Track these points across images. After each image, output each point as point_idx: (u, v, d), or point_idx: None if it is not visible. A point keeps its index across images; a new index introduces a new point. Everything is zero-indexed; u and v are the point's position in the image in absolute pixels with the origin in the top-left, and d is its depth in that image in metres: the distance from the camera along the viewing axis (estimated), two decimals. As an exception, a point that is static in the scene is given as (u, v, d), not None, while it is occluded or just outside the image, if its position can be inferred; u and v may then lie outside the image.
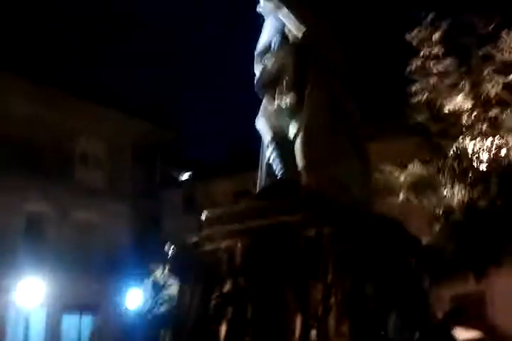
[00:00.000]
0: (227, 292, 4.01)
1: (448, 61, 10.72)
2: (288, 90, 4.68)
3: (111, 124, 22.37)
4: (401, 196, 10.87)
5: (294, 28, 4.78)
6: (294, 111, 4.70)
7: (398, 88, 11.90)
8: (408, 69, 10.86)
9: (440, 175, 10.71)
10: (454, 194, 10.47)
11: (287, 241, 3.86)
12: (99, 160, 22.86)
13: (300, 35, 4.75)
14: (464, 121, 10.64)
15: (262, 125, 4.91)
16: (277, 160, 4.70)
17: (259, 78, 4.94)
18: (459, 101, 10.62)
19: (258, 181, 4.97)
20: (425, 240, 10.47)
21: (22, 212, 19.98)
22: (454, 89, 10.69)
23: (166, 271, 4.42)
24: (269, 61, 4.87)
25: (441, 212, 10.60)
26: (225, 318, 3.98)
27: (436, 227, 10.50)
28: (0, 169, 19.23)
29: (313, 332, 3.71)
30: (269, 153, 4.78)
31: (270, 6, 4.89)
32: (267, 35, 5.02)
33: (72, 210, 21.20)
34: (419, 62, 10.82)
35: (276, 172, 4.70)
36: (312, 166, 4.41)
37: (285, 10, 4.77)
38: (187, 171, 24.33)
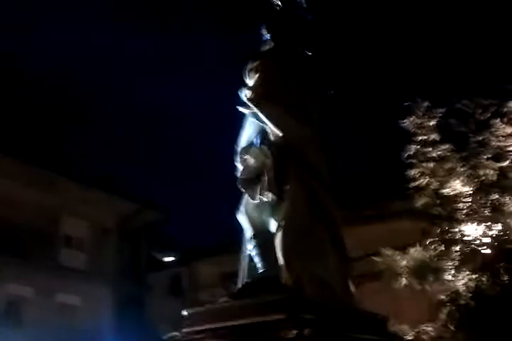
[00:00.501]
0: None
1: (445, 147, 10.96)
2: (268, 189, 4.87)
3: (95, 205, 22.45)
4: (403, 281, 10.75)
5: (273, 131, 5.05)
6: (274, 209, 4.88)
7: (397, 172, 12.12)
8: (406, 154, 11.08)
9: (443, 260, 10.60)
10: (459, 279, 10.38)
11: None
12: (83, 241, 22.77)
13: (279, 137, 5.01)
14: (464, 205, 10.68)
15: (243, 220, 5.06)
16: (258, 257, 4.82)
17: (241, 174, 5.15)
18: (459, 186, 10.74)
19: (239, 274, 5.06)
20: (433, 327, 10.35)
21: (1, 295, 19.64)
22: (452, 173, 10.85)
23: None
24: (251, 159, 5.10)
25: (446, 298, 10.48)
26: None
27: (443, 313, 10.38)
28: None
29: None
30: (250, 249, 4.92)
31: (248, 110, 5.17)
32: (249, 132, 5.27)
33: (54, 293, 20.88)
34: (416, 148, 11.06)
35: (258, 268, 4.81)
36: (292, 263, 4.51)
37: (263, 114, 5.05)
38: (172, 253, 24.29)
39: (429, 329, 10.54)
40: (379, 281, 21.53)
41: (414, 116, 11.25)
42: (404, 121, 11.27)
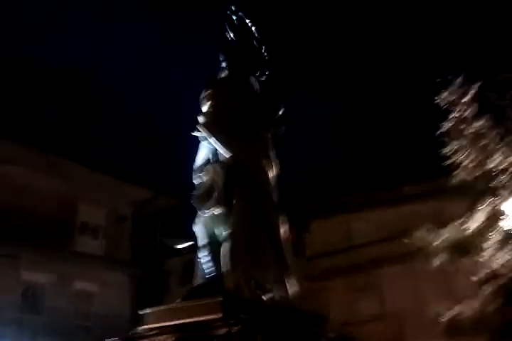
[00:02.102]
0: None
1: (482, 122, 11.15)
2: (218, 203, 5.93)
3: (110, 191, 23.68)
4: (438, 260, 11.28)
5: (222, 152, 6.09)
6: (223, 221, 5.94)
7: (431, 150, 12.50)
8: (440, 131, 11.30)
9: (483, 238, 10.93)
10: (500, 257, 10.72)
11: (204, 338, 4.98)
12: (99, 228, 24.12)
13: (229, 158, 6.05)
14: (504, 181, 10.85)
15: (197, 230, 6.16)
16: (208, 264, 5.91)
17: (195, 191, 6.22)
18: (497, 161, 10.90)
19: (194, 278, 6.16)
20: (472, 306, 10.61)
21: (19, 282, 21.07)
22: (490, 149, 11.02)
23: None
24: (204, 177, 6.16)
25: (486, 276, 10.91)
26: None
27: (483, 293, 10.87)
28: (-3, 238, 20.36)
29: None
30: (202, 256, 6.01)
31: (202, 135, 6.20)
32: (204, 152, 6.33)
33: (71, 280, 22.26)
34: (451, 124, 11.27)
35: (207, 273, 5.91)
36: (233, 269, 5.57)
37: (213, 139, 6.08)
38: (188, 239, 25.48)
39: (470, 307, 11.17)
40: (411, 263, 22.47)
41: (448, 92, 11.32)
42: (439, 97, 11.36)
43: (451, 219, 21.59)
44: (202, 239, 6.16)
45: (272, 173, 6.32)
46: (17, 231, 21.34)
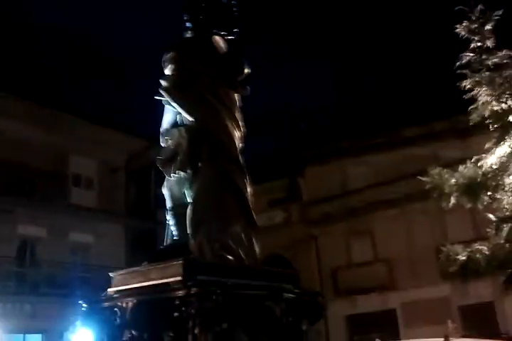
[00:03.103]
0: (125, 341, 5.47)
1: (503, 53, 10.73)
2: (182, 166, 6.10)
3: (103, 143, 23.95)
4: (452, 200, 11.04)
5: (186, 117, 6.21)
6: (188, 184, 6.13)
7: (448, 84, 11.93)
8: (458, 63, 10.91)
9: (498, 177, 10.67)
10: None
11: (165, 299, 5.26)
12: (92, 180, 24.49)
13: (194, 121, 6.17)
14: None
15: (165, 193, 6.37)
16: (174, 227, 6.15)
17: (161, 154, 6.39)
18: None
19: (164, 241, 6.42)
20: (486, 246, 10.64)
21: (15, 236, 21.62)
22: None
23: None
24: (169, 140, 6.31)
25: (501, 216, 10.68)
26: (123, 361, 5.43)
27: (498, 232, 10.68)
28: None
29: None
30: (169, 219, 6.25)
31: (164, 98, 6.30)
32: (169, 117, 6.46)
33: (66, 232, 22.83)
34: (470, 56, 10.90)
35: (174, 236, 6.15)
36: (197, 232, 5.80)
37: (175, 104, 6.19)
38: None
39: (483, 248, 10.96)
40: (407, 206, 22.78)
41: (467, 22, 10.94)
42: (459, 27, 10.97)
43: (449, 163, 21.81)
44: (168, 202, 6.37)
45: (238, 136, 6.45)
46: (10, 185, 21.74)
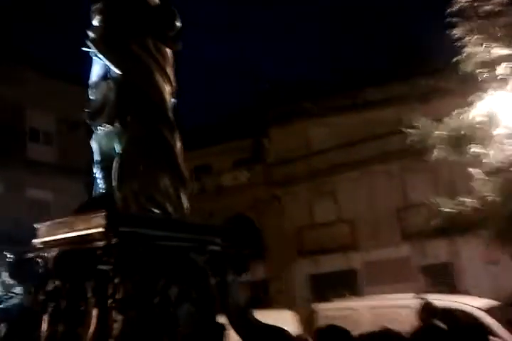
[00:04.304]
0: (49, 291, 5.69)
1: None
2: (109, 119, 6.24)
3: (61, 97, 23.69)
4: (435, 152, 11.20)
5: (113, 70, 6.30)
6: (115, 138, 6.28)
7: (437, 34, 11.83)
8: (449, 10, 10.69)
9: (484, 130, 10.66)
10: (502, 149, 10.52)
11: (87, 250, 5.47)
12: (51, 135, 24.37)
13: (121, 74, 6.27)
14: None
15: (93, 146, 6.52)
16: (101, 180, 6.33)
17: (88, 108, 6.50)
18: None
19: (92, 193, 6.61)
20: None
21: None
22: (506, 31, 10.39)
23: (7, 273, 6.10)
24: (96, 94, 6.42)
25: (487, 170, 10.73)
26: (48, 311, 5.66)
27: (484, 187, 10.80)
28: None
29: (108, 321, 5.36)
30: (96, 172, 6.42)
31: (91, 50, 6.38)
32: (97, 69, 6.54)
33: (24, 188, 22.81)
34: (462, 2, 10.58)
35: (100, 189, 6.34)
36: (121, 184, 5.98)
37: (101, 56, 6.27)
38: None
39: (468, 200, 11.20)
40: (369, 168, 23.22)
41: None
42: None
43: (410, 126, 22.08)
44: (96, 155, 6.54)
45: (168, 90, 6.57)
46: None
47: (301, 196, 25.38)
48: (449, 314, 9.67)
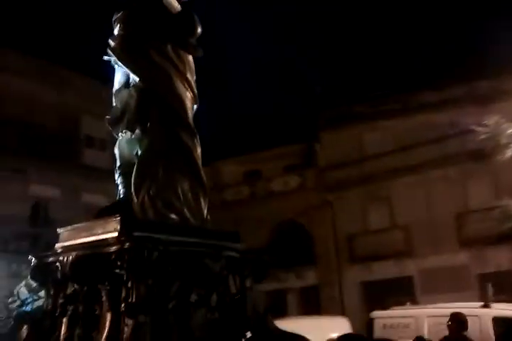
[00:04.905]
0: (68, 294, 5.87)
1: None
2: (130, 126, 6.38)
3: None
4: (510, 152, 11.24)
5: (134, 77, 6.45)
6: (136, 144, 6.43)
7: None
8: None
9: None
10: None
11: (103, 254, 5.61)
12: (104, 141, 24.97)
13: (142, 82, 6.41)
14: None
15: (116, 152, 6.68)
16: (121, 185, 6.47)
17: (110, 114, 6.67)
18: None
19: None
20: None
21: (28, 197, 22.33)
22: None
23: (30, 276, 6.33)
24: (118, 101, 6.59)
25: None
26: (66, 314, 5.84)
27: None
28: (1, 152, 21.32)
29: (120, 325, 5.48)
30: (117, 178, 6.56)
31: (113, 58, 6.54)
32: (119, 78, 6.71)
33: (79, 193, 23.48)
34: None
35: (121, 194, 6.48)
36: (139, 190, 6.10)
37: (122, 63, 6.42)
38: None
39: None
40: (425, 173, 22.80)
41: None
42: None
43: (468, 129, 21.61)
44: (118, 161, 6.70)
45: (189, 97, 6.67)
46: (24, 145, 22.35)
47: (354, 201, 25.11)
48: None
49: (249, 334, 6.12)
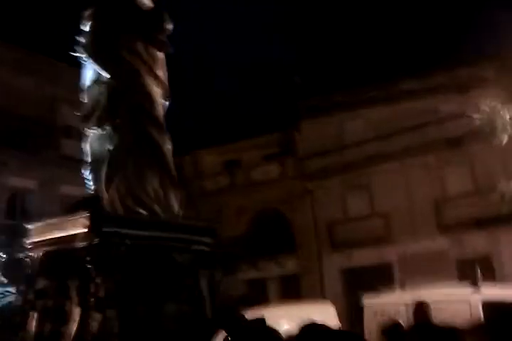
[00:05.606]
0: (38, 290, 5.99)
1: None
2: (100, 122, 6.47)
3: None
4: (505, 137, 11.35)
5: (103, 74, 6.54)
6: (105, 140, 6.52)
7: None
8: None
9: None
10: None
11: (71, 250, 5.73)
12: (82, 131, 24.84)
13: (111, 79, 6.50)
14: None
15: (87, 148, 6.78)
16: (92, 181, 6.57)
17: (81, 111, 6.76)
18: None
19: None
20: None
21: (5, 188, 22.15)
22: None
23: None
24: (88, 97, 6.67)
25: None
26: (37, 307, 5.96)
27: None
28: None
29: (88, 319, 5.61)
30: (87, 173, 6.67)
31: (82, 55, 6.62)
32: (89, 74, 6.79)
33: (57, 184, 23.29)
34: None
35: (91, 189, 6.59)
36: (109, 186, 6.21)
37: (91, 60, 6.51)
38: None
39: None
40: (404, 160, 23.01)
41: None
42: None
43: (448, 116, 21.78)
44: (88, 157, 6.79)
45: (159, 92, 6.77)
46: (2, 136, 22.13)
47: (334, 189, 25.29)
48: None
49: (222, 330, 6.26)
